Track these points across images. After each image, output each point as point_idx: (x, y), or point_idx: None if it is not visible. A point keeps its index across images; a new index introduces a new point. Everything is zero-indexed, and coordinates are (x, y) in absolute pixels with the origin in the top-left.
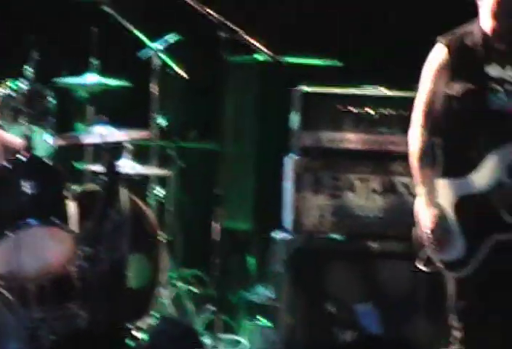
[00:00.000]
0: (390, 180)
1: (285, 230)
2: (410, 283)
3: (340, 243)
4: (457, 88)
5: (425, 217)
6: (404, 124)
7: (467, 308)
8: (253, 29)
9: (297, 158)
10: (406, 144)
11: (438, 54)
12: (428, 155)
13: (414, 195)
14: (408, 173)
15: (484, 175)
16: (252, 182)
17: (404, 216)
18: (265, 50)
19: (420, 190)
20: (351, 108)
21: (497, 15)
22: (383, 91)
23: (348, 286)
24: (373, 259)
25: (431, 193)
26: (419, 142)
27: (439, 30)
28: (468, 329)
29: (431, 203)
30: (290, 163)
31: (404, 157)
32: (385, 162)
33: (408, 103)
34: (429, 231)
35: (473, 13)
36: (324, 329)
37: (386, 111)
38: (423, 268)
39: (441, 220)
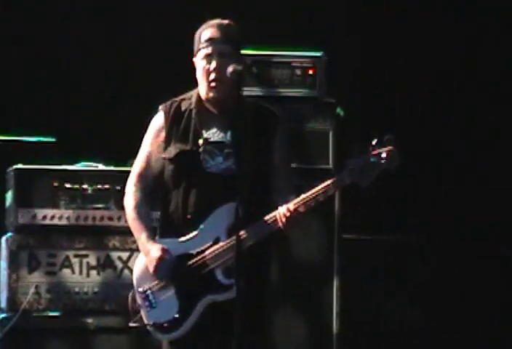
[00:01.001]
0: (107, 255)
1: (0, 310)
2: None
3: (56, 320)
4: (172, 151)
5: (146, 265)
6: (119, 199)
7: None
8: None
9: (11, 235)
10: (121, 218)
11: (156, 119)
12: (142, 209)
13: (130, 270)
14: (124, 248)
15: (202, 235)
16: None
17: (120, 290)
18: None
19: (142, 238)
20: (66, 184)
21: (209, 81)
22: (99, 166)
23: None
24: (90, 334)
25: (151, 239)
26: (131, 198)
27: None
28: None
29: (155, 245)
30: (5, 241)
31: (119, 232)
32: (101, 237)
33: (123, 178)
34: (145, 289)
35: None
36: None
37: (101, 186)
38: (136, 324)
39: (167, 255)
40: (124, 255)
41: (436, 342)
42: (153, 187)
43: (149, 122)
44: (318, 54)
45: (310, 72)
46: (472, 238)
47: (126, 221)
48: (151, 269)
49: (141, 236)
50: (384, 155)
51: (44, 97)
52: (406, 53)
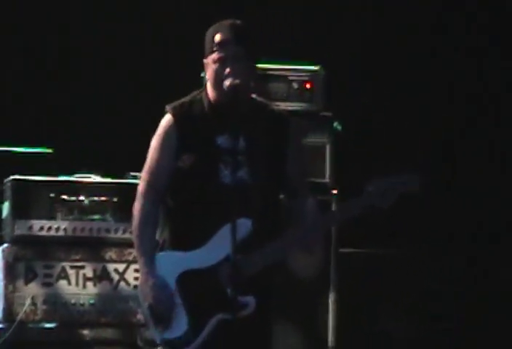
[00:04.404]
0: (103, 267)
1: None
2: None
3: (52, 331)
4: (184, 159)
5: (145, 290)
6: (115, 211)
7: None
8: None
9: (7, 247)
10: (117, 230)
11: (165, 123)
12: (148, 225)
13: (127, 282)
14: (121, 259)
15: (212, 250)
16: None
17: (117, 302)
18: None
19: (140, 262)
20: (63, 196)
21: (223, 87)
22: (95, 178)
23: None
24: (86, 346)
25: (150, 264)
26: (139, 211)
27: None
28: None
29: (151, 274)
30: (1, 252)
31: (116, 243)
32: (98, 249)
33: (120, 190)
34: (149, 305)
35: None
36: None
37: (98, 198)
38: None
39: (161, 292)
40: (121, 267)
41: None
42: (163, 196)
43: (148, 132)
44: (315, 67)
45: (308, 86)
46: (465, 251)
47: (123, 233)
48: (148, 300)
49: (140, 260)
50: (405, 178)
51: (42, 107)
52: (405, 66)
